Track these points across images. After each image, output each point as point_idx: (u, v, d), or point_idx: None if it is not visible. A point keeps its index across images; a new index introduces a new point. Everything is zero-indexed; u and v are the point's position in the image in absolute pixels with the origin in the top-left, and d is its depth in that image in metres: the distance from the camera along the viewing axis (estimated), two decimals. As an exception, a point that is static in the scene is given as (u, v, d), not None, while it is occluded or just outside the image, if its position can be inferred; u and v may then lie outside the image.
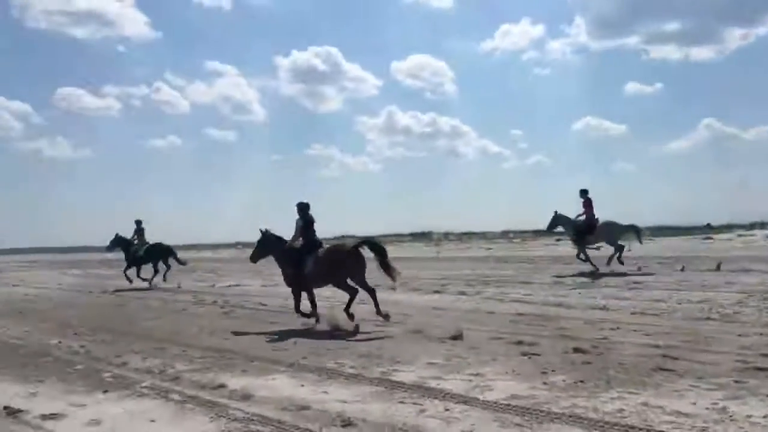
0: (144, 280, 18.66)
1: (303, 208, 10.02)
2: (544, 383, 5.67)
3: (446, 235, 48.32)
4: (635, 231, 17.23)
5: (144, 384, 6.22)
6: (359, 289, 9.52)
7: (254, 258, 10.43)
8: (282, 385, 5.97)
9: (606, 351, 6.89)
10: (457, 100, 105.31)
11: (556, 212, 17.33)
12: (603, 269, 16.10)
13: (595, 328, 8.32)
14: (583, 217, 16.85)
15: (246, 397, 5.61)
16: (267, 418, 4.96)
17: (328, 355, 7.25)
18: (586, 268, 16.64)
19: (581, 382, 5.66)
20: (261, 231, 10.30)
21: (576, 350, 6.93)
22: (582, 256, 16.97)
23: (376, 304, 9.36)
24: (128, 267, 19.14)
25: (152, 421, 4.99)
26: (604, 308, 10.10)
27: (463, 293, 13.18)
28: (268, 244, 10.24)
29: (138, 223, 19.36)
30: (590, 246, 17.03)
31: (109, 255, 22.86)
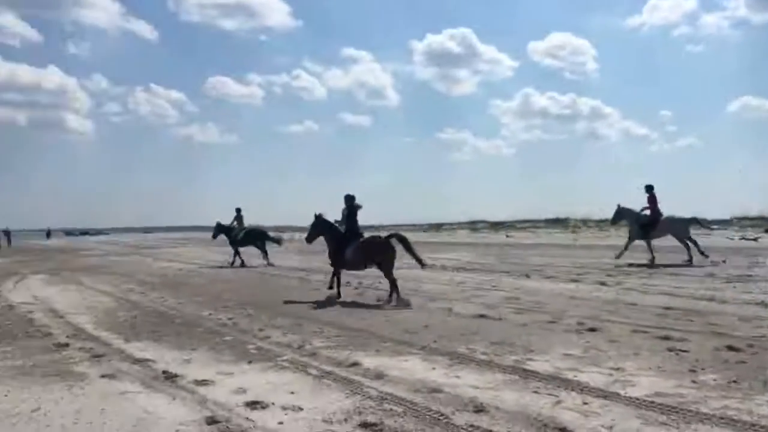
0: (234, 262, 20.71)
1: (348, 200, 11.57)
2: (693, 381, 5.27)
3: (584, 222, 46.35)
4: (697, 222, 17.82)
5: (284, 357, 6.54)
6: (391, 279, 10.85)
7: (309, 239, 12.04)
8: (414, 367, 6.03)
9: (763, 350, 6.29)
10: (598, 79, 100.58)
11: (619, 206, 17.61)
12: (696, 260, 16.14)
13: (752, 326, 7.62)
14: (647, 212, 17.02)
15: (379, 376, 5.72)
16: (399, 398, 5.03)
17: (460, 340, 7.22)
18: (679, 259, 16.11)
19: (734, 382, 5.21)
20: (315, 215, 11.81)
21: (729, 348, 6.38)
22: (626, 247, 17.51)
23: (394, 291, 10.66)
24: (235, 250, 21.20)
25: (292, 393, 5.23)
26: (762, 304, 9.23)
27: (602, 283, 12.58)
28: (319, 227, 11.84)
29: (238, 210, 21.55)
30: (651, 239, 17.14)
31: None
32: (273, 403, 4.93)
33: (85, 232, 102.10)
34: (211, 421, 4.56)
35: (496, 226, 53.38)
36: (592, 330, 7.55)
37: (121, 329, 8.49)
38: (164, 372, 5.97)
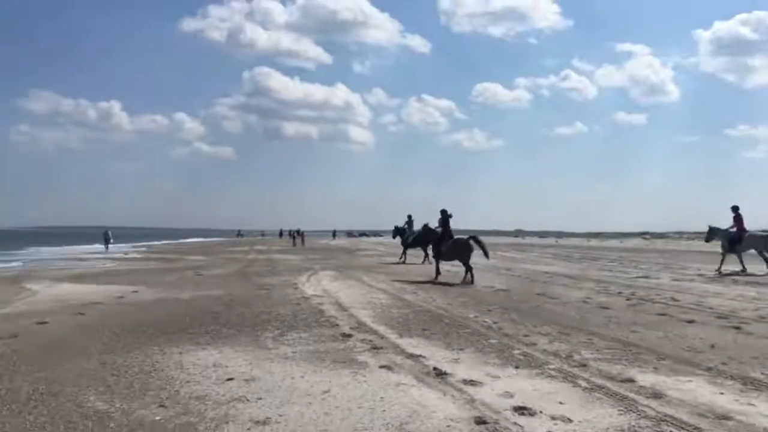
0: (400, 261, 24.68)
1: (443, 213, 17.17)
2: None
3: None
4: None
5: (552, 366, 6.42)
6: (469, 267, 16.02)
7: (394, 236, 22.48)
8: (698, 390, 5.46)
9: None
10: None
11: (709, 226, 20.46)
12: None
13: None
14: (734, 229, 19.42)
15: (657, 395, 5.30)
16: (681, 421, 4.60)
17: (753, 364, 6.35)
18: None
19: None
20: (424, 225, 18.30)
21: None
22: (722, 261, 19.42)
23: (468, 275, 15.73)
24: (404, 251, 25.24)
25: (560, 403, 5.11)
26: None
27: None
28: (427, 234, 18.06)
29: (409, 216, 25.86)
30: (739, 253, 19.23)
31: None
32: (541, 411, 4.88)
33: (363, 234, 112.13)
34: (480, 421, 4.66)
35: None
36: None
37: (395, 325, 9.14)
38: (435, 369, 6.28)
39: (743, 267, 18.70)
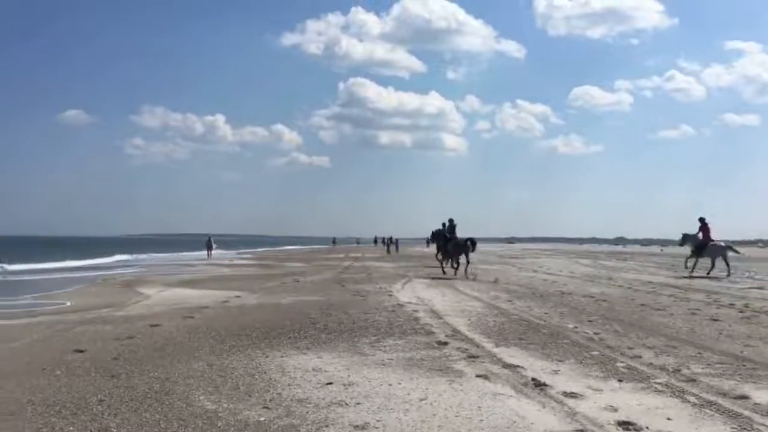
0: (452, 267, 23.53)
1: (450, 221, 22.03)
2: None
3: None
4: (731, 249, 23.09)
5: (658, 380, 6.13)
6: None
7: (428, 243, 27.66)
8: (824, 411, 5.06)
9: None
10: None
11: (683, 234, 23.07)
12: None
13: None
14: (701, 236, 22.17)
15: (775, 415, 4.95)
16: (805, 444, 4.28)
17: None
18: None
19: None
20: (432, 231, 23.09)
21: None
22: (689, 264, 22.61)
23: (466, 269, 20.87)
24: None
25: (669, 419, 4.88)
26: None
27: None
28: (436, 236, 22.56)
29: (450, 221, 22.49)
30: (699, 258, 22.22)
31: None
32: (647, 427, 4.68)
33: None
34: (582, 434, 4.53)
35: None
36: None
37: (491, 334, 9.04)
38: (533, 379, 6.15)
39: (692, 271, 21.92)
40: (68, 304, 14.20)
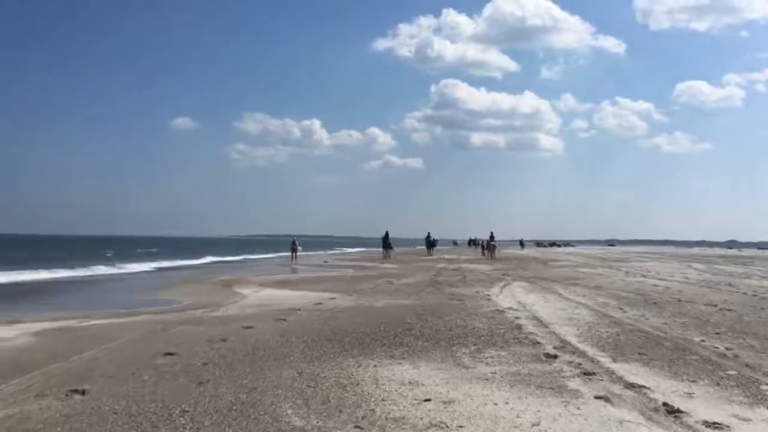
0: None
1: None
2: None
3: None
4: None
5: (821, 411, 5.12)
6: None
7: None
8: None
9: None
10: None
11: None
12: None
13: None
14: None
15: None
16: None
17: None
18: None
19: None
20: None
21: None
22: None
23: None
24: None
25: None
26: None
27: None
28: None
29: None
30: None
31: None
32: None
33: (553, 243, 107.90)
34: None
35: None
36: None
37: (605, 346, 8.15)
38: (664, 404, 5.29)
39: None
40: (172, 303, 14.44)
